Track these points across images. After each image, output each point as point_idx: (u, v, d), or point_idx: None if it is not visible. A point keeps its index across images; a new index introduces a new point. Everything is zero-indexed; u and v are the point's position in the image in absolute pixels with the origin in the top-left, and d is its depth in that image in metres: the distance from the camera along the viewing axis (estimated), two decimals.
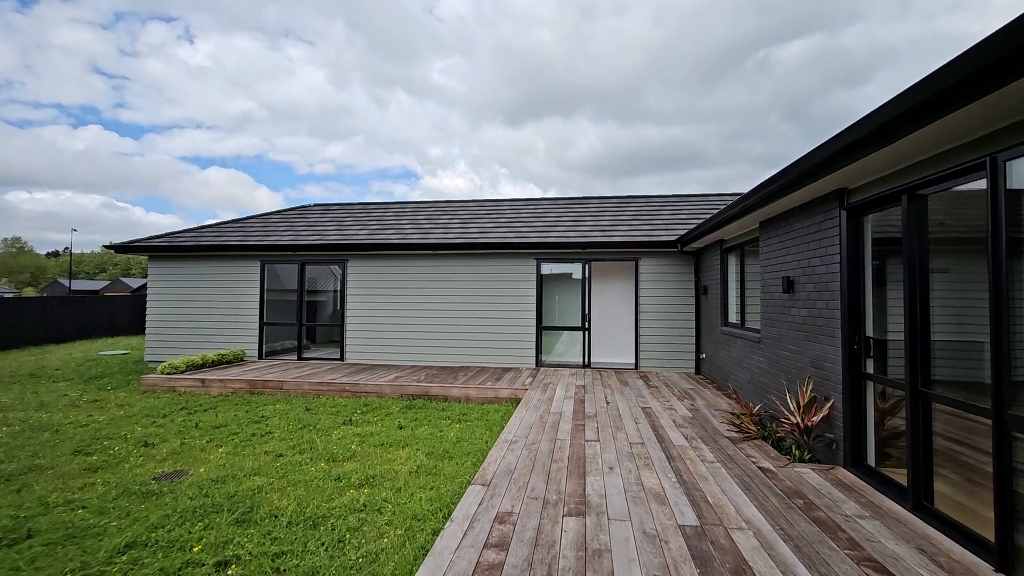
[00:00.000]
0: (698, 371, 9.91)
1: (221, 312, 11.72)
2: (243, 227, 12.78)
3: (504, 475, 4.14)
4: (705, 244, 9.22)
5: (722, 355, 8.37)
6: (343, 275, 11.40)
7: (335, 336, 11.51)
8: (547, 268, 10.84)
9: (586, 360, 10.57)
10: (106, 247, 12.53)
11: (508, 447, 4.93)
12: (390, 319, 11.18)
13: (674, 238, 9.90)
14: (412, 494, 4.37)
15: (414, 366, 10.72)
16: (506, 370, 10.20)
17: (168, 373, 9.40)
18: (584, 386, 8.42)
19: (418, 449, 5.67)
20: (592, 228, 11.01)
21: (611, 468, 4.31)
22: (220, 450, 5.75)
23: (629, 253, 10.46)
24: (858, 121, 3.44)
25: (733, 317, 8.14)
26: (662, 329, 10.30)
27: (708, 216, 9.61)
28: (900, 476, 3.91)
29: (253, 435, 6.29)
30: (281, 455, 5.52)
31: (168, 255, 11.93)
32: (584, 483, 3.96)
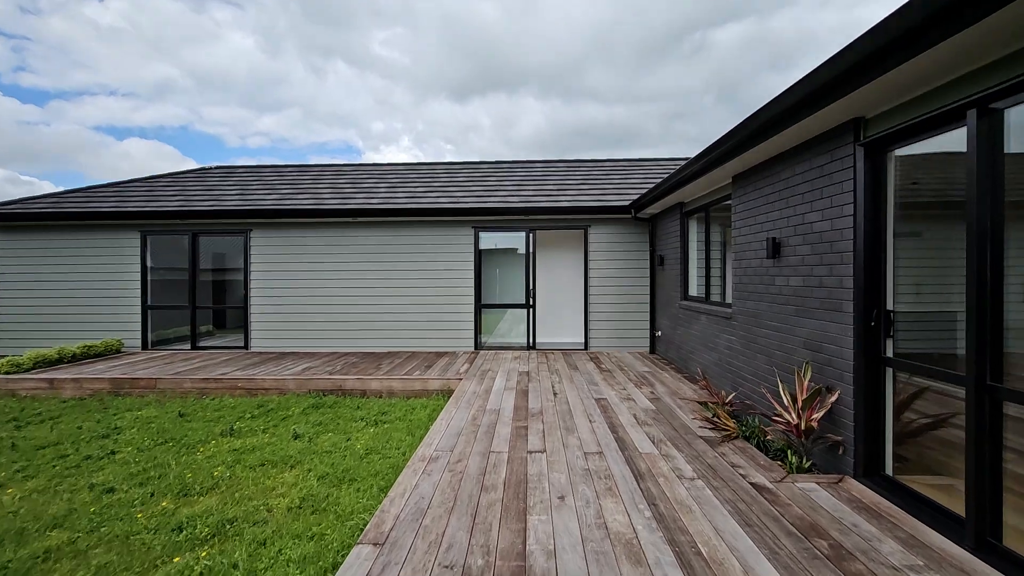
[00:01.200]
0: (653, 350, 9.01)
1: (91, 295, 9.63)
2: (121, 191, 10.56)
3: (411, 521, 2.88)
4: (662, 209, 8.21)
5: (681, 333, 7.45)
6: (246, 248, 9.60)
7: (242, 321, 9.74)
8: (487, 241, 9.54)
9: (531, 341, 9.45)
10: None
11: (425, 468, 3.67)
12: (304, 300, 9.55)
13: (627, 203, 8.84)
14: (279, 552, 3.03)
15: (332, 353, 9.20)
16: (440, 355, 8.91)
17: (6, 373, 7.41)
18: (528, 372, 7.27)
19: (311, 469, 4.31)
20: (536, 193, 9.76)
21: (562, 498, 3.15)
22: (27, 484, 4.14)
23: (577, 220, 9.33)
24: (903, 6, 2.34)
25: (695, 290, 7.20)
26: (614, 305, 9.31)
27: (661, 180, 8.67)
28: (930, 489, 2.99)
29: (88, 457, 4.69)
30: (112, 490, 3.99)
31: (18, 224, 9.62)
32: (525, 529, 2.77)
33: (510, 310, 9.81)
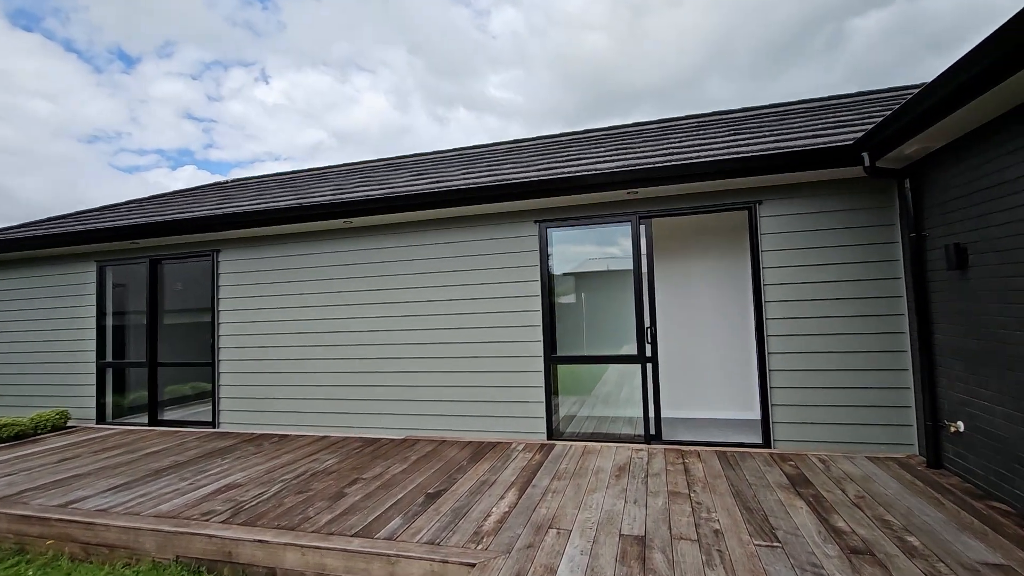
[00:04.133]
0: (937, 460, 4.03)
1: (34, 348, 7.26)
2: (83, 218, 8.30)
3: None
4: (955, 138, 3.48)
5: None
6: (213, 278, 6.58)
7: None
8: (566, 252, 5.44)
9: (650, 426, 5.02)
10: None
11: None
12: (285, 353, 6.21)
13: (848, 139, 4.17)
14: None
15: (319, 439, 5.65)
16: (483, 451, 4.89)
17: None
18: (645, 529, 2.94)
19: None
20: (651, 152, 5.45)
21: None
22: None
23: (733, 192, 4.85)
24: None
25: None
26: (823, 356, 4.57)
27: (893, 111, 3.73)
28: None
29: None
30: None
31: None
32: None
33: (610, 366, 5.51)
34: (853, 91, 6.76)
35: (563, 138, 7.69)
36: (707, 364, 6.04)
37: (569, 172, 4.97)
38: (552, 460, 4.61)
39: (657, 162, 4.70)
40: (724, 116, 7.02)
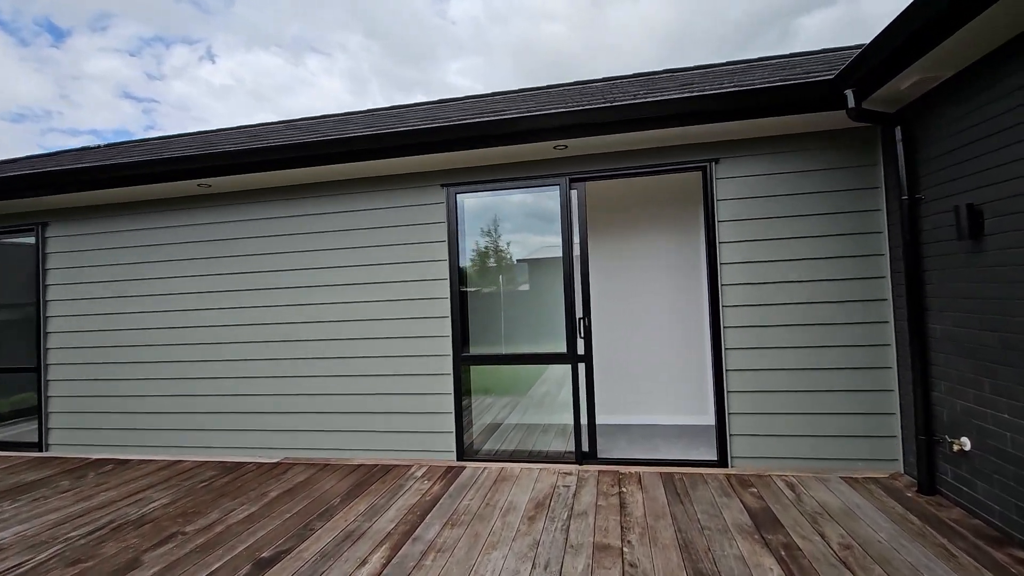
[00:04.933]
0: (930, 486, 3.18)
1: None
2: None
3: None
4: (969, 65, 2.59)
5: None
6: (39, 259, 5.12)
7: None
8: (477, 217, 4.35)
9: (582, 441, 4.03)
10: None
11: None
12: (126, 352, 4.86)
13: (830, 75, 3.23)
14: None
15: (168, 465, 4.37)
16: (375, 474, 3.78)
17: None
18: None
19: None
20: (588, 107, 4.38)
21: None
22: None
23: (686, 149, 3.88)
24: None
25: None
26: (791, 353, 3.68)
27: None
28: None
29: None
30: None
31: None
32: None
33: (535, 368, 4.48)
34: (820, 48, 5.92)
35: (492, 96, 6.55)
36: (654, 362, 5.11)
37: (487, 117, 3.85)
38: (454, 492, 3.54)
39: (593, 104, 3.64)
40: (678, 72, 6.05)
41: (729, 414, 3.75)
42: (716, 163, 3.81)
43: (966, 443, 2.83)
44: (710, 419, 4.79)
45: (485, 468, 4.00)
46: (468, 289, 4.31)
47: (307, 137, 4.21)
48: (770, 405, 3.69)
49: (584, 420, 4.04)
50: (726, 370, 3.76)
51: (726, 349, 3.76)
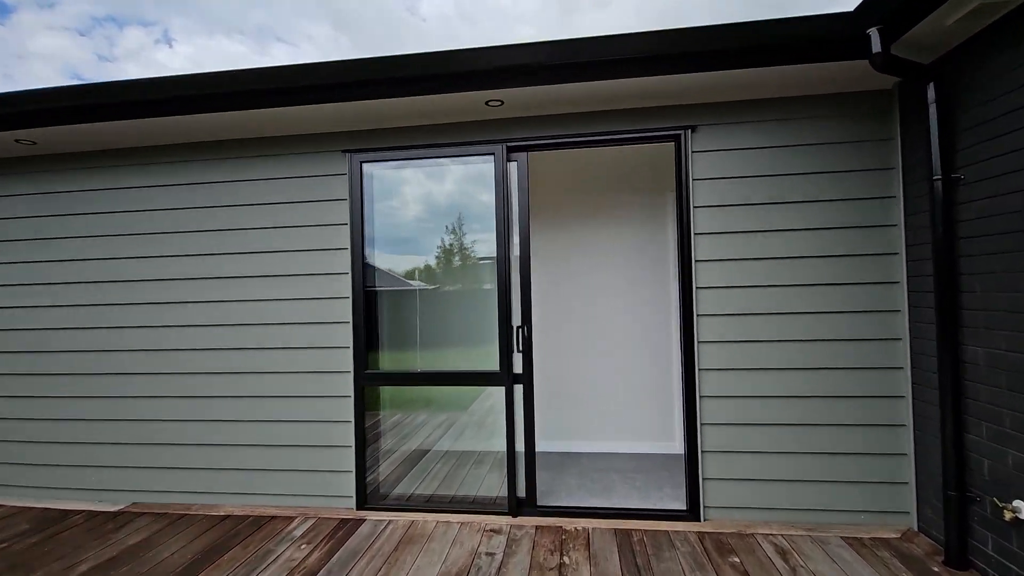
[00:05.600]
0: (961, 554, 2.44)
1: None
2: None
3: None
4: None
5: None
6: None
7: None
8: (389, 196, 3.39)
9: (518, 485, 3.15)
10: None
11: None
12: None
13: (849, 9, 2.42)
14: None
15: None
16: (240, 531, 2.77)
17: None
18: None
19: None
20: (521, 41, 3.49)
21: None
22: None
23: (655, 113, 3.02)
24: None
25: None
26: (778, 377, 2.89)
27: None
28: None
29: None
30: None
31: None
32: None
33: (457, 391, 3.57)
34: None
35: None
36: (612, 380, 4.27)
37: (393, 56, 2.88)
38: (337, 567, 2.59)
39: (534, 38, 2.73)
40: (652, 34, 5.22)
41: (703, 452, 2.94)
42: (692, 131, 2.97)
43: (1021, 509, 2.08)
44: (677, 446, 4.00)
45: (390, 522, 3.06)
46: (377, 288, 3.34)
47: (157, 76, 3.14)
48: (754, 441, 2.90)
49: (521, 466, 3.16)
50: (700, 396, 2.94)
51: (700, 370, 2.94)
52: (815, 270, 2.86)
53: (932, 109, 2.40)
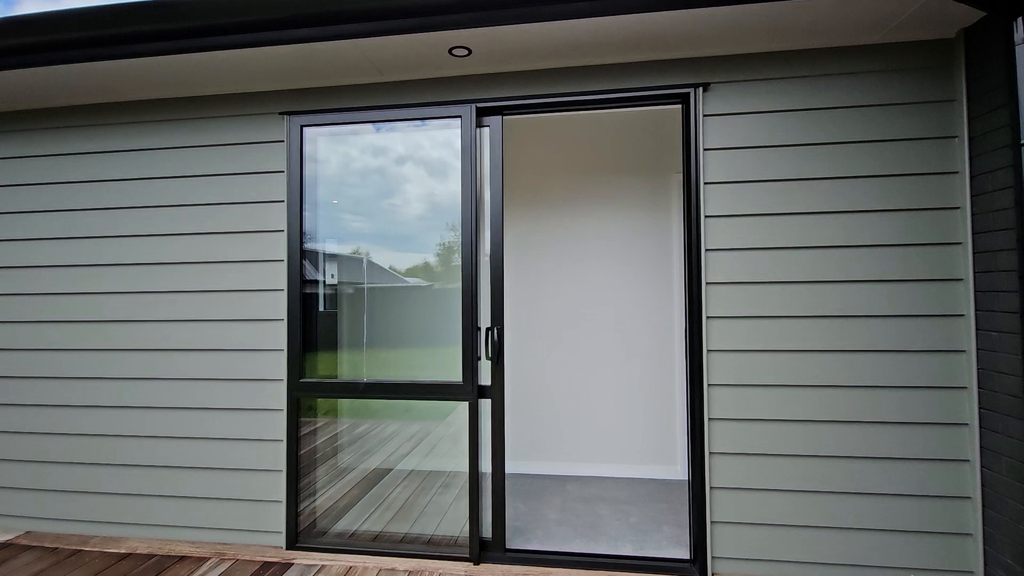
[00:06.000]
0: None
1: None
2: None
3: None
4: None
5: None
6: None
7: None
8: (335, 167, 2.82)
9: (482, 525, 2.56)
10: None
11: None
12: None
13: None
14: None
15: None
16: (144, 573, 2.20)
17: None
18: None
19: None
20: None
21: None
22: None
23: (656, 68, 2.45)
24: None
25: None
26: (805, 395, 2.31)
27: None
28: None
29: None
30: None
31: None
32: None
33: (412, 405, 2.99)
34: None
35: None
36: (602, 392, 3.70)
37: None
38: None
39: None
40: None
41: (711, 488, 2.36)
42: (704, 90, 2.41)
43: None
44: (679, 471, 3.42)
45: (322, 567, 2.48)
46: (319, 279, 2.78)
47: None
48: (775, 476, 2.32)
49: (487, 502, 2.59)
50: (708, 417, 2.37)
51: (710, 385, 2.37)
52: (852, 263, 2.29)
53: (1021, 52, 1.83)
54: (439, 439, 3.27)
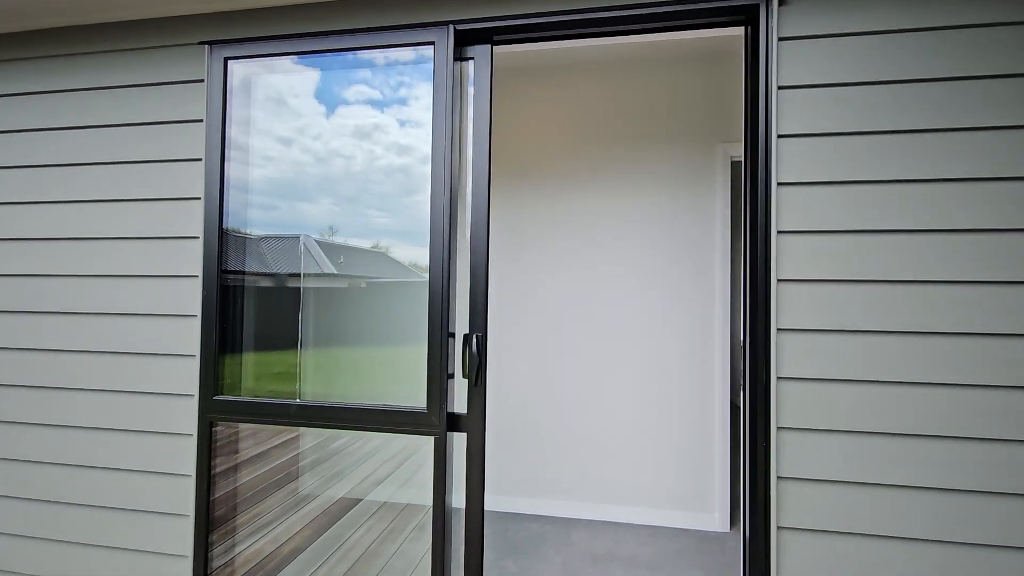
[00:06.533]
0: None
1: None
2: None
3: None
4: None
5: None
6: None
7: None
8: (272, 117, 2.13)
9: None
10: None
11: None
12: None
13: None
14: None
15: None
16: None
17: None
18: None
19: None
20: None
21: None
22: None
23: None
24: None
25: None
26: (928, 449, 1.54)
27: None
28: None
29: None
30: None
31: None
32: None
33: (364, 437, 2.32)
34: None
35: None
36: (618, 416, 2.96)
37: None
38: None
39: None
40: None
41: (780, 534, 1.61)
42: (780, 3, 1.66)
43: None
44: (717, 521, 2.69)
45: None
46: (245, 271, 2.11)
47: None
48: (876, 565, 1.57)
49: (459, 562, 1.89)
50: (776, 476, 1.62)
51: (780, 428, 1.62)
52: (988, 252, 1.52)
53: None
54: (426, 459, 2.60)
